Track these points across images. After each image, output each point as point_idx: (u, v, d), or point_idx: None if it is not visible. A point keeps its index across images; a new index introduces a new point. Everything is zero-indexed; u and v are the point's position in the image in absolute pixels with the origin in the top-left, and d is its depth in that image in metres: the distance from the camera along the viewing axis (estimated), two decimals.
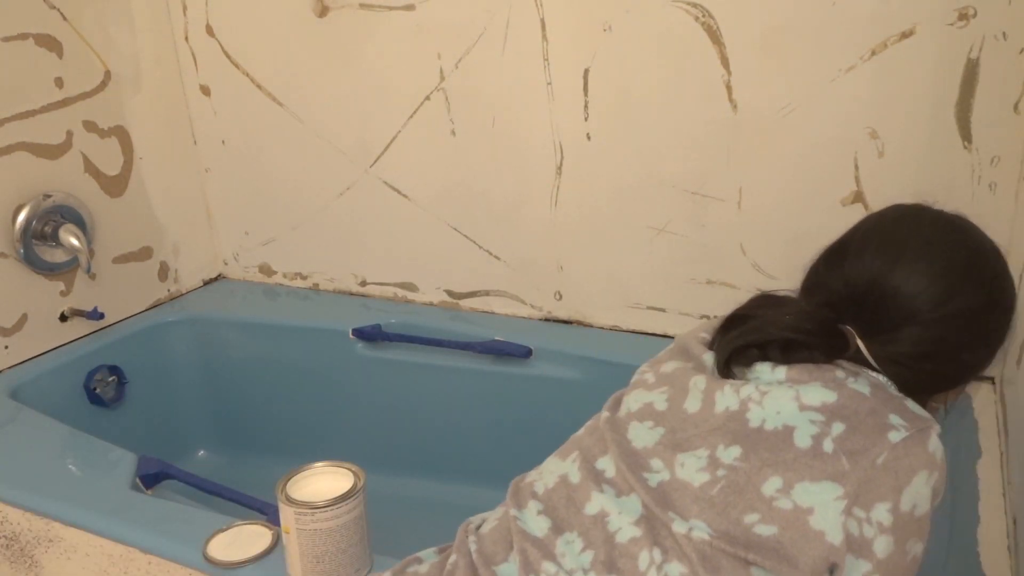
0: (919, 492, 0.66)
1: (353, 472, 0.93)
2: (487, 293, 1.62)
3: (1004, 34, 1.10)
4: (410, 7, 1.47)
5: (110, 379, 1.58)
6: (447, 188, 1.58)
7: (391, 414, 1.61)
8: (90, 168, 1.59)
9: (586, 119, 1.40)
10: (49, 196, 1.50)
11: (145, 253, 1.74)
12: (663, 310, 1.47)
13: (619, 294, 1.50)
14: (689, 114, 1.32)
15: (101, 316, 1.59)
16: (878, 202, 1.24)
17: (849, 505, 0.64)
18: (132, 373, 1.62)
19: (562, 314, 1.57)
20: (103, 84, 1.60)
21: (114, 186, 1.65)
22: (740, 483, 0.67)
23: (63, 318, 1.57)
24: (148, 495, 1.11)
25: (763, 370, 0.73)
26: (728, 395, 0.72)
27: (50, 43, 1.49)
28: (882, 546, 0.64)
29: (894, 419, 0.67)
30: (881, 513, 0.64)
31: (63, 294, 1.57)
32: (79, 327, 1.60)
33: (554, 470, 0.80)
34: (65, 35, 1.51)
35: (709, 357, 0.79)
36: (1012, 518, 0.93)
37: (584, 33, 1.35)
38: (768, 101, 1.26)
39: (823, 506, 0.64)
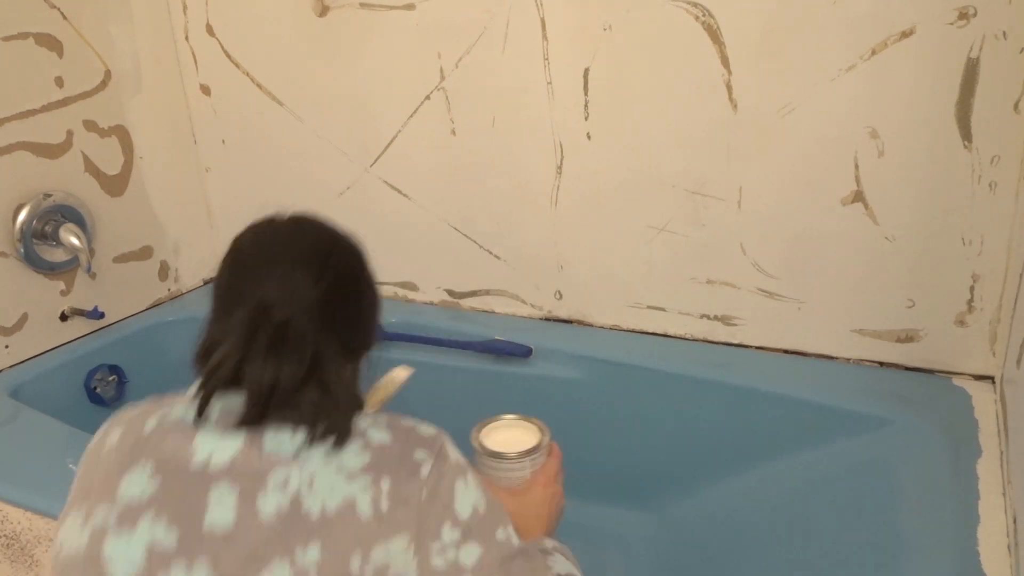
0: (468, 497, 0.70)
1: (539, 427, 0.99)
2: (487, 292, 1.62)
3: (1004, 33, 1.10)
4: (410, 7, 1.47)
5: (110, 378, 1.58)
6: (447, 188, 1.58)
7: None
8: (90, 167, 1.59)
9: (586, 118, 1.40)
10: (49, 195, 1.50)
11: (145, 252, 1.74)
12: (663, 309, 1.47)
13: (619, 293, 1.50)
14: (689, 114, 1.32)
15: (101, 315, 1.59)
16: (878, 201, 1.24)
17: (416, 546, 0.65)
18: (132, 373, 1.62)
19: (562, 313, 1.57)
20: (103, 83, 1.60)
21: (114, 185, 1.65)
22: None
23: (63, 317, 1.57)
24: None
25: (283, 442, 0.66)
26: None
27: (50, 42, 1.49)
28: (469, 556, 0.68)
29: (418, 454, 0.69)
30: (450, 534, 0.67)
31: (63, 293, 1.57)
32: (79, 326, 1.60)
33: None
34: (65, 34, 1.52)
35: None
36: (1012, 517, 0.93)
37: (584, 33, 1.35)
38: (768, 101, 1.26)
39: (396, 558, 0.65)
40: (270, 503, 0.63)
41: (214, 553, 0.62)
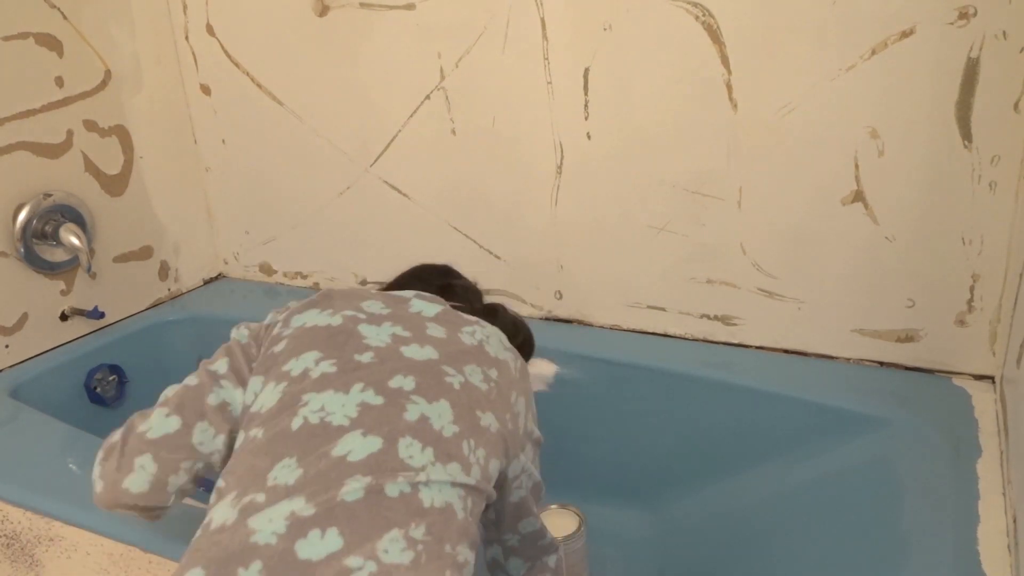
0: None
1: (577, 514, 1.23)
2: (487, 292, 1.62)
3: (1004, 33, 1.10)
4: (410, 6, 1.47)
5: (111, 378, 1.58)
6: (447, 188, 1.58)
7: None
8: (90, 167, 1.59)
9: (586, 118, 1.40)
10: (49, 195, 1.50)
11: (145, 252, 1.74)
12: (663, 309, 1.47)
13: (619, 293, 1.50)
14: (689, 113, 1.32)
15: (101, 315, 1.60)
16: (878, 201, 1.24)
17: (525, 409, 0.94)
18: (133, 372, 1.62)
19: (562, 313, 1.57)
20: (103, 83, 1.60)
21: (114, 185, 1.65)
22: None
23: (63, 317, 1.57)
24: None
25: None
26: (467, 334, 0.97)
27: (50, 42, 1.49)
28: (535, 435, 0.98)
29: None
30: (533, 423, 0.98)
31: (63, 293, 1.57)
32: (79, 326, 1.61)
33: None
34: (65, 34, 1.52)
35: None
36: (1012, 517, 0.93)
37: (584, 32, 1.35)
38: (768, 101, 1.26)
39: (521, 410, 0.93)
40: (467, 338, 0.94)
41: (432, 344, 0.91)
